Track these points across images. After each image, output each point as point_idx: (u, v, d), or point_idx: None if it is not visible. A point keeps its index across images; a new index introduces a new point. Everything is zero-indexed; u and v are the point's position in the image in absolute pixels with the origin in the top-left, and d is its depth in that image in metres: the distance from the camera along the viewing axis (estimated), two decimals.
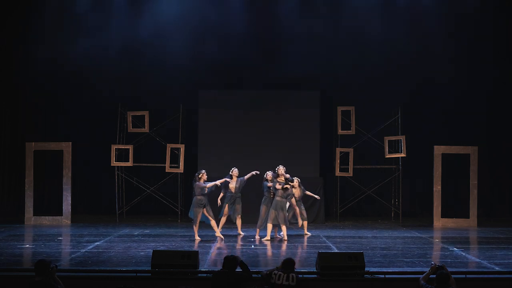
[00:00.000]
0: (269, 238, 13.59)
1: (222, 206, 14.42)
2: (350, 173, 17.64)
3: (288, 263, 8.07)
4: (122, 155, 17.65)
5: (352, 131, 17.80)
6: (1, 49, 17.87)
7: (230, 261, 8.02)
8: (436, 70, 18.02)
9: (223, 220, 14.50)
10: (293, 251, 12.31)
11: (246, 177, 14.32)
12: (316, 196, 15.44)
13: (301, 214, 14.47)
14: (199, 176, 13.72)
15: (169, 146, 17.68)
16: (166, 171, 17.67)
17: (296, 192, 14.42)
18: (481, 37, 17.93)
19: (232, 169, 14.52)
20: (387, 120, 18.09)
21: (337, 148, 17.75)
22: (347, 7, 17.60)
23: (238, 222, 14.51)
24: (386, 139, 17.76)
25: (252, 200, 15.61)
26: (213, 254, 11.82)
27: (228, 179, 14.27)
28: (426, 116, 18.54)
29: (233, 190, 14.35)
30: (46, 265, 7.30)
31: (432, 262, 8.15)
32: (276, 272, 8.00)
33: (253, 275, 8.25)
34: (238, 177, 14.43)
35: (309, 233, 14.59)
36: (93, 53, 17.29)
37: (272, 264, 9.67)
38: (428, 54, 17.94)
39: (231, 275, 7.93)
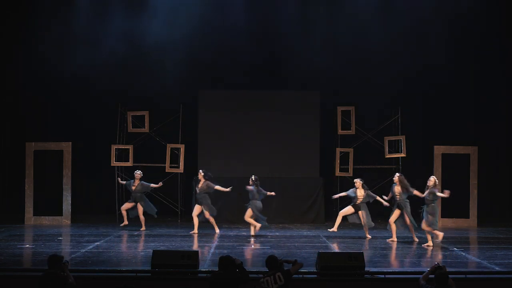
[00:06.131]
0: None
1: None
2: (350, 173, 17.63)
3: (270, 261, 7.93)
4: (122, 155, 17.65)
5: (352, 131, 17.82)
6: (2, 49, 17.88)
7: (224, 261, 7.97)
8: (436, 70, 18.01)
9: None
10: (292, 251, 12.31)
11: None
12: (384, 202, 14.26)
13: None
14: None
15: (169, 146, 17.69)
16: (166, 171, 17.68)
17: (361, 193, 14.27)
18: (481, 37, 17.92)
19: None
20: (387, 120, 18.10)
21: (337, 148, 17.76)
22: (348, 8, 17.60)
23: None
24: (386, 139, 17.78)
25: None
26: (213, 254, 11.81)
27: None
28: (426, 116, 18.54)
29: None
30: (58, 259, 7.88)
31: (436, 262, 8.14)
32: (262, 280, 7.83)
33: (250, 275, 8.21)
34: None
35: (369, 236, 14.29)
36: (93, 53, 17.28)
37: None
38: (428, 54, 17.91)
39: (227, 275, 7.89)
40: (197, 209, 14.86)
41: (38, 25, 17.54)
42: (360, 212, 14.18)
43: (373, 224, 14.27)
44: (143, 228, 15.23)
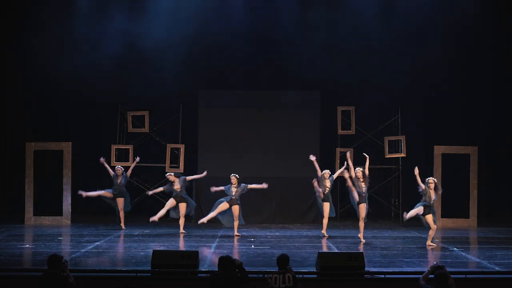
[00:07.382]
0: None
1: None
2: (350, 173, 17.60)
3: (282, 260, 7.90)
4: (122, 155, 17.65)
5: (352, 131, 17.82)
6: (1, 49, 17.88)
7: (224, 261, 7.96)
8: (436, 70, 18.01)
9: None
10: (292, 251, 12.30)
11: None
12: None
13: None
14: None
15: (169, 146, 17.70)
16: (166, 171, 17.67)
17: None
18: (480, 36, 17.93)
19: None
20: (387, 120, 18.10)
21: (337, 148, 17.76)
22: (347, 7, 17.61)
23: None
24: (386, 139, 17.78)
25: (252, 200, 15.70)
26: (213, 254, 11.82)
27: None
28: (426, 116, 18.53)
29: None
30: (58, 259, 7.87)
31: (435, 262, 8.15)
32: (270, 275, 7.81)
33: (250, 275, 8.21)
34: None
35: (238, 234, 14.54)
36: (93, 53, 17.29)
37: (273, 264, 9.65)
38: (428, 54, 17.92)
39: (227, 275, 7.88)
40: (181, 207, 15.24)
41: (38, 25, 17.54)
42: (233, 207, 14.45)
43: (243, 222, 14.66)
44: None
